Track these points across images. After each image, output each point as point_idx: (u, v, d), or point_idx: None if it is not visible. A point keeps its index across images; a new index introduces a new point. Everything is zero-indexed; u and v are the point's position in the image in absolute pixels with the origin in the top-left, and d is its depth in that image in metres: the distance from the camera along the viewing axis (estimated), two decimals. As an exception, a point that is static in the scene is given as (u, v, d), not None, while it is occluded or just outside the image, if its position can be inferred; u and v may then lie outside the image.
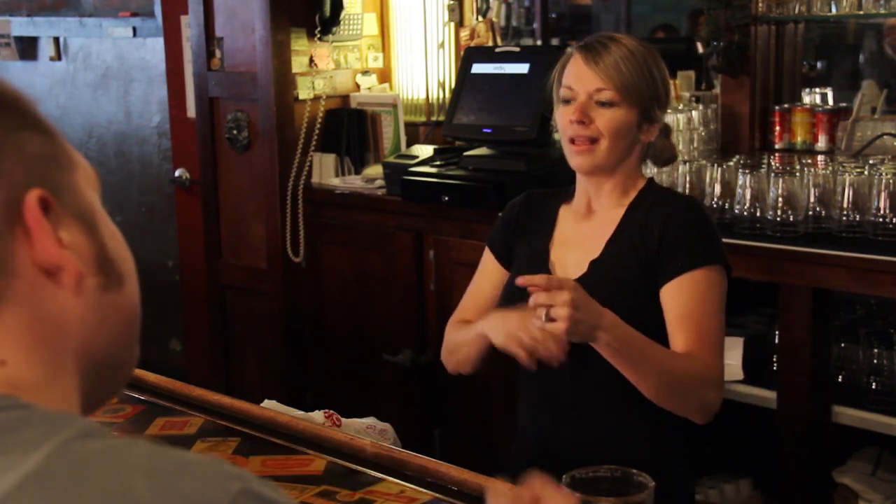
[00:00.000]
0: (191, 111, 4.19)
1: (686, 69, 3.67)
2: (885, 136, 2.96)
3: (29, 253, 0.76)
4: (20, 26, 5.10)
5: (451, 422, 3.43)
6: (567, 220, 2.05)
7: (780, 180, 2.71)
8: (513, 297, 1.93)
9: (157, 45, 4.52)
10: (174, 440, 1.87)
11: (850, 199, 2.65)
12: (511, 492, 1.22)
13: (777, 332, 2.77)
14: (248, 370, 3.94)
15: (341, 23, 3.75)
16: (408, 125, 3.85)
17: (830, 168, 2.77)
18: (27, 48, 5.15)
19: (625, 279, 1.94)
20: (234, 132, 3.82)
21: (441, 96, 3.87)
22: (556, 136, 2.30)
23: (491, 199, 3.13)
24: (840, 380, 2.78)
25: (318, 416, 1.94)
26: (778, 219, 2.70)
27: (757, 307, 2.99)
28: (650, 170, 2.65)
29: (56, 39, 5.05)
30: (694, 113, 3.23)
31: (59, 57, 5.07)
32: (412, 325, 3.46)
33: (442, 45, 3.86)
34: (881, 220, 2.60)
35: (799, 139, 3.24)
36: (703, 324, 1.89)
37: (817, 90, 3.64)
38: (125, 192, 4.83)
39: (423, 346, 3.43)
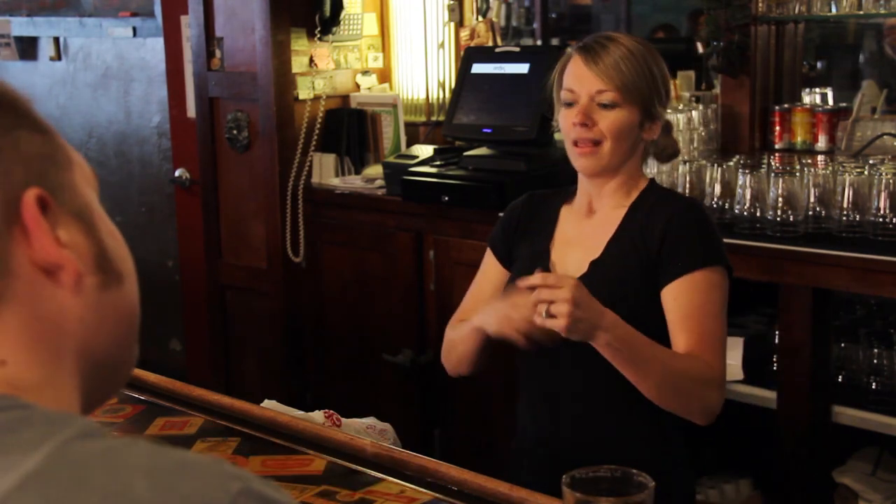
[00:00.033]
0: (191, 111, 4.19)
1: (686, 69, 3.67)
2: (885, 136, 2.96)
3: (27, 252, 0.76)
4: (20, 26, 5.10)
5: (451, 422, 3.43)
6: (568, 220, 2.05)
7: (780, 180, 2.70)
8: (513, 297, 1.93)
9: (157, 45, 4.52)
10: (174, 440, 1.86)
11: (850, 199, 2.64)
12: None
13: (777, 332, 2.76)
14: (248, 370, 3.94)
15: (341, 23, 3.75)
16: (408, 125, 3.85)
17: (830, 168, 2.77)
18: (27, 48, 5.15)
19: (625, 279, 1.94)
20: (234, 132, 3.82)
21: (441, 96, 3.87)
22: (557, 136, 2.30)
23: (491, 199, 3.13)
24: (840, 380, 2.78)
25: (318, 416, 1.94)
26: (778, 219, 2.70)
27: (757, 307, 2.99)
28: (651, 168, 2.65)
29: (56, 39, 5.05)
30: (694, 113, 3.23)
31: (59, 57, 5.07)
32: (412, 325, 3.46)
33: (442, 45, 3.86)
34: (881, 220, 2.60)
35: (799, 139, 3.24)
36: (704, 325, 1.88)
37: (817, 90, 3.64)
38: (125, 192, 4.83)
39: (423, 346, 3.43)
